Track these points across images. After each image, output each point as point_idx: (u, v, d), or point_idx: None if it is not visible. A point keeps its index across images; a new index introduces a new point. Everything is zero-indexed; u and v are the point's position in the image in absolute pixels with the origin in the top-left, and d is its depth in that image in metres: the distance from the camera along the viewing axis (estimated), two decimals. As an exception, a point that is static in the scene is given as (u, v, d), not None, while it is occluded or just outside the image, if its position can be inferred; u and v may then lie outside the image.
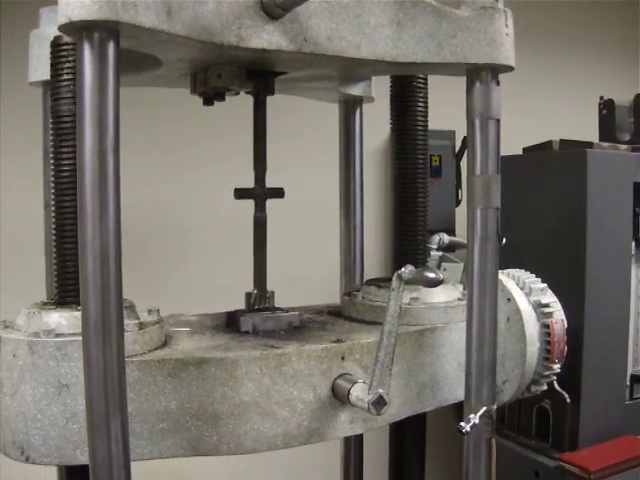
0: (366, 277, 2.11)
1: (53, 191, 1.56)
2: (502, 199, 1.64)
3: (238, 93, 1.78)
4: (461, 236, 3.11)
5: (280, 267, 1.99)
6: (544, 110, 4.47)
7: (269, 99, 1.81)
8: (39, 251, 1.93)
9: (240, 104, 1.88)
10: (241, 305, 1.83)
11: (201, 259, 3.71)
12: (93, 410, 1.24)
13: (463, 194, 4.10)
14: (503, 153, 1.66)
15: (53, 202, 1.56)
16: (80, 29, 1.19)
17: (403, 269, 1.47)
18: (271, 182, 1.82)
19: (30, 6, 1.87)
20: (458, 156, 4.11)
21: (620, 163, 3.30)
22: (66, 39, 1.48)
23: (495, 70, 1.62)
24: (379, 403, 1.46)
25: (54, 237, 1.57)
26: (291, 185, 1.86)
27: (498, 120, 1.63)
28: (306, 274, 3.74)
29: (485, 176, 1.62)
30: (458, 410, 1.74)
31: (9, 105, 3.24)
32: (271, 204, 1.82)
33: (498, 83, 1.63)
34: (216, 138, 3.65)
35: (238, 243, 2.42)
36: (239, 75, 1.65)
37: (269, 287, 1.84)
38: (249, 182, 1.81)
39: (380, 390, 1.47)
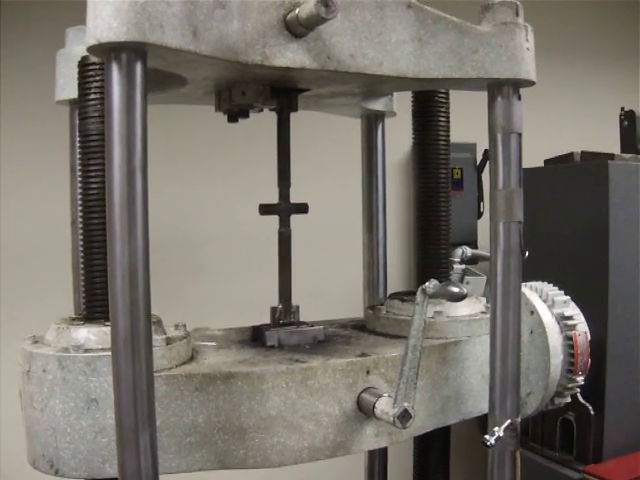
0: (389, 291, 2.12)
1: (80, 208, 1.58)
2: (524, 211, 1.65)
3: (262, 110, 1.80)
4: (483, 248, 3.13)
5: (303, 281, 2.00)
6: (565, 122, 4.47)
7: (294, 114, 1.83)
8: (64, 265, 1.96)
9: (261, 118, 1.90)
10: (263, 318, 1.85)
11: (222, 273, 3.74)
12: (122, 424, 1.26)
13: (485, 206, 4.10)
14: (524, 165, 1.67)
15: (80, 219, 1.58)
16: (108, 50, 1.22)
17: (427, 283, 1.48)
18: (293, 195, 1.84)
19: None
20: (479, 169, 4.11)
21: (642, 174, 3.30)
22: (93, 59, 1.51)
23: (516, 85, 1.63)
24: (404, 417, 1.47)
25: (82, 254, 1.59)
26: (314, 199, 1.88)
27: (520, 134, 1.64)
28: (329, 288, 3.75)
29: (507, 190, 1.63)
30: (482, 423, 1.75)
31: (39, 119, 3.28)
32: (295, 219, 1.84)
33: (519, 97, 1.64)
34: (237, 151, 3.68)
35: (259, 257, 2.45)
36: (263, 93, 1.67)
37: (293, 301, 1.85)
38: (268, 196, 1.83)
39: (405, 404, 1.47)
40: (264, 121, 1.88)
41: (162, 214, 3.29)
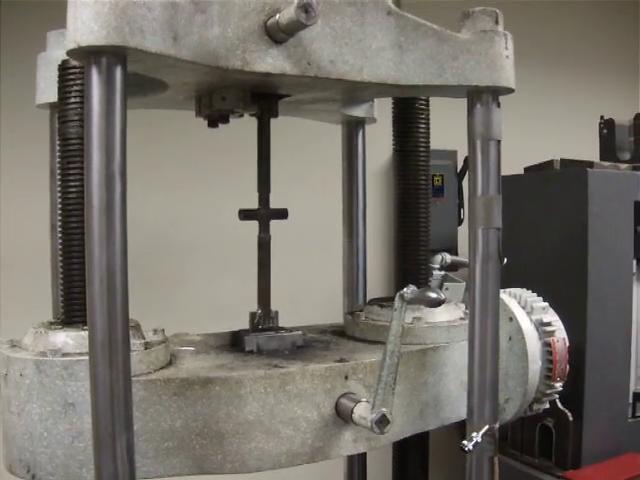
0: (369, 296, 2.13)
1: (60, 212, 1.58)
2: (503, 218, 1.66)
3: (242, 115, 1.81)
4: (464, 255, 3.14)
5: (283, 286, 2.00)
6: (545, 129, 4.49)
7: (273, 120, 1.83)
8: (42, 270, 1.95)
9: (244, 124, 1.90)
10: (245, 324, 1.85)
11: (204, 278, 3.73)
12: (99, 428, 1.25)
13: (465, 213, 4.11)
14: (504, 173, 1.68)
15: (60, 223, 1.58)
16: (88, 54, 1.22)
17: (405, 289, 1.49)
18: (273, 202, 1.84)
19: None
20: (460, 176, 4.13)
21: (621, 182, 3.32)
22: (73, 63, 1.51)
23: (496, 92, 1.64)
24: (382, 422, 1.48)
25: (61, 258, 1.59)
26: (293, 205, 1.88)
27: (499, 141, 1.65)
28: (308, 293, 3.75)
29: (486, 197, 1.64)
30: (461, 428, 1.75)
31: (12, 123, 3.27)
32: (274, 224, 1.84)
33: (499, 105, 1.65)
34: (219, 158, 3.67)
35: (241, 262, 2.44)
36: (243, 98, 1.68)
37: (272, 306, 1.86)
38: (252, 202, 1.83)
39: (383, 409, 1.48)
40: (248, 126, 1.88)
41: (147, 219, 3.30)
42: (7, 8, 3.24)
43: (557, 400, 2.08)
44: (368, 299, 2.05)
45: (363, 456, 2.21)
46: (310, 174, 3.85)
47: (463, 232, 3.98)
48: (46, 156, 1.91)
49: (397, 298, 1.50)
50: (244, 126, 1.92)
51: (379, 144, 2.46)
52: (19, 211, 3.33)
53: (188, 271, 3.71)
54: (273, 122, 1.83)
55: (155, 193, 3.49)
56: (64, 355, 1.43)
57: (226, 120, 1.79)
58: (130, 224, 1.27)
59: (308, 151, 3.84)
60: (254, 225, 1.83)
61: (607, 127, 3.78)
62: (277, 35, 1.39)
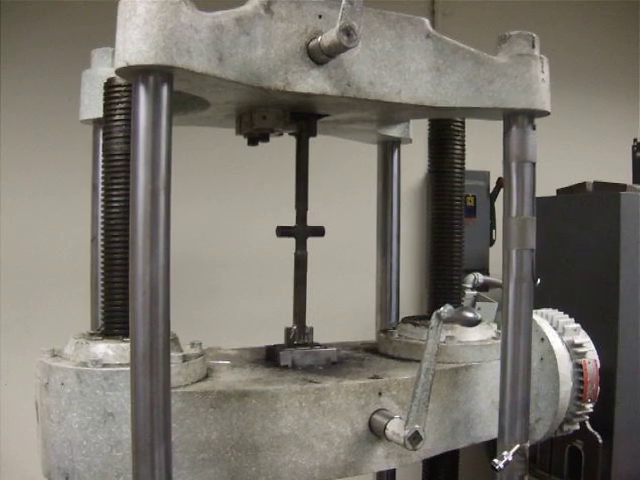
0: (401, 314, 2.14)
1: (102, 225, 1.61)
2: (536, 239, 1.67)
3: (282, 134, 1.83)
4: (495, 276, 3.15)
5: (317, 303, 2.02)
6: (578, 152, 4.49)
7: (312, 139, 1.86)
8: (78, 280, 1.98)
9: (281, 141, 1.93)
10: (278, 340, 1.87)
11: (237, 293, 3.76)
12: (138, 438, 1.28)
13: (497, 234, 4.12)
14: (537, 194, 1.69)
15: (102, 236, 1.61)
16: (136, 73, 1.26)
17: (442, 308, 1.51)
18: (310, 219, 1.87)
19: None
20: (492, 196, 4.14)
21: (653, 205, 3.31)
22: (119, 80, 1.54)
23: (531, 115, 1.66)
24: (415, 439, 1.49)
25: (102, 270, 1.62)
26: (328, 222, 1.90)
27: (534, 163, 1.66)
28: (342, 310, 3.77)
29: (521, 218, 1.65)
30: (489, 448, 1.76)
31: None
32: (311, 242, 1.86)
33: (534, 127, 1.67)
34: (255, 173, 3.71)
35: (274, 278, 2.46)
36: (283, 117, 1.71)
37: (307, 322, 1.88)
38: (286, 218, 1.86)
39: (416, 426, 1.49)
40: (282, 143, 1.91)
41: (179, 234, 3.33)
42: (6, 9, 3.29)
43: (587, 422, 2.08)
44: (401, 317, 2.07)
45: (392, 472, 2.22)
46: (345, 193, 3.88)
47: (494, 252, 4.03)
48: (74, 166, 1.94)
49: (434, 317, 1.52)
50: (280, 143, 1.95)
51: (412, 164, 2.48)
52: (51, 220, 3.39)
53: (223, 285, 3.74)
54: (311, 141, 1.86)
55: (188, 207, 3.52)
56: (104, 366, 1.45)
57: (266, 139, 1.82)
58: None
59: (344, 170, 3.87)
60: (288, 241, 1.85)
61: (640, 150, 3.77)
62: (318, 57, 1.42)
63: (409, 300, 2.68)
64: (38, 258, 3.41)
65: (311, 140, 1.86)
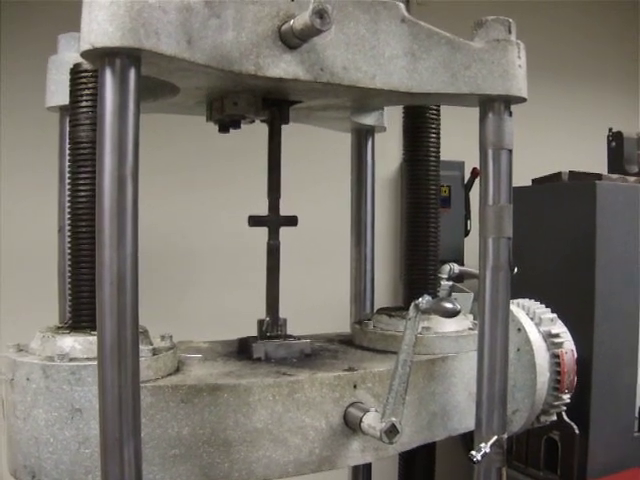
0: (376, 305, 2.12)
1: (69, 215, 1.57)
2: (512, 230, 1.65)
3: (253, 121, 1.80)
4: (469, 267, 3.14)
5: (291, 294, 2.00)
6: (553, 141, 4.49)
7: (285, 127, 1.82)
8: (46, 273, 1.94)
9: (253, 129, 1.89)
10: (250, 332, 1.84)
11: (210, 285, 3.72)
12: (107, 434, 1.24)
13: (472, 224, 4.11)
14: (513, 184, 1.67)
15: (69, 226, 1.57)
16: (102, 55, 1.21)
17: (421, 299, 1.48)
18: (282, 208, 1.83)
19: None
20: (467, 187, 4.13)
21: (629, 194, 3.32)
22: (86, 66, 1.50)
23: (508, 101, 1.63)
24: (392, 432, 1.47)
25: (69, 262, 1.58)
26: (302, 212, 1.87)
27: (510, 150, 1.64)
28: (316, 301, 3.75)
29: (497, 206, 1.63)
30: (466, 440, 1.74)
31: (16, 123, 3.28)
32: (283, 231, 1.83)
33: (511, 114, 1.64)
34: (227, 163, 3.68)
35: (247, 269, 2.43)
36: (255, 103, 1.67)
37: (280, 314, 1.84)
38: (258, 208, 1.83)
39: (393, 419, 1.47)
40: (256, 132, 1.87)
41: (152, 224, 3.28)
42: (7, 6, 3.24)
43: (563, 413, 2.07)
44: (376, 308, 2.04)
45: (368, 466, 2.20)
46: (318, 182, 3.85)
47: (469, 243, 4.02)
48: (48, 158, 1.90)
49: (412, 308, 1.49)
50: (251, 131, 1.92)
51: (387, 153, 2.45)
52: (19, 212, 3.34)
53: (194, 277, 3.71)
54: (284, 129, 1.83)
55: (161, 197, 3.48)
56: (72, 360, 1.41)
57: (237, 125, 1.78)
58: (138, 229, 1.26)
59: (318, 158, 3.84)
60: (261, 232, 1.82)
61: (615, 140, 3.78)
62: (291, 40, 1.39)
63: (384, 290, 2.65)
64: (3, 251, 3.35)
65: (285, 128, 1.82)
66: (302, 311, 2.50)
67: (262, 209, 1.82)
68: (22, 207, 3.35)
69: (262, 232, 1.82)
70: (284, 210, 1.83)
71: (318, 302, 3.73)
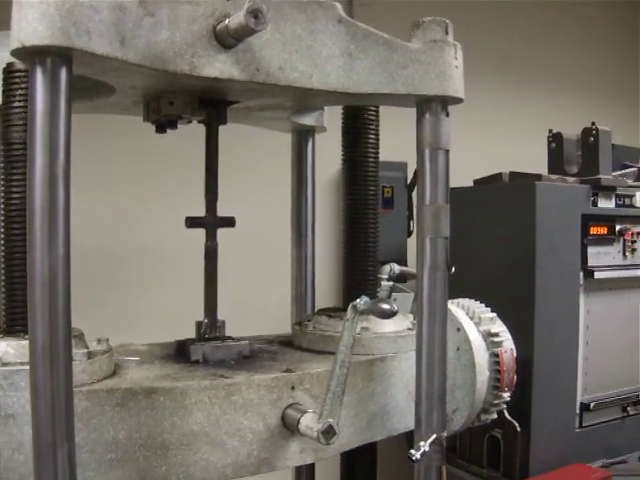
0: (317, 306, 2.11)
1: (2, 217, 1.54)
2: (453, 230, 1.66)
3: (190, 121, 1.79)
4: (413, 267, 3.17)
5: (230, 296, 1.98)
6: (494, 143, 4.53)
7: (224, 128, 1.81)
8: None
9: (195, 130, 1.88)
10: (191, 334, 1.82)
11: (148, 287, 3.68)
12: (39, 439, 1.22)
13: (415, 225, 4.13)
14: (453, 185, 1.68)
15: (2, 229, 1.54)
16: (33, 54, 1.19)
17: (358, 300, 1.48)
18: (223, 211, 1.82)
19: None
20: (410, 187, 4.15)
21: (568, 195, 3.36)
22: (19, 66, 1.48)
23: (445, 102, 1.64)
24: (329, 433, 1.46)
25: (2, 265, 1.55)
26: (241, 213, 1.86)
27: (447, 151, 1.65)
28: (256, 303, 3.73)
29: (434, 205, 1.64)
30: (409, 439, 1.75)
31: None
32: (222, 232, 1.82)
33: (448, 114, 1.65)
34: (165, 164, 3.64)
35: (185, 270, 2.40)
36: (191, 103, 1.66)
37: (220, 316, 1.83)
38: (199, 209, 1.81)
39: (330, 420, 1.47)
40: (195, 133, 1.86)
41: (87, 226, 3.24)
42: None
43: (505, 411, 2.09)
44: (317, 309, 2.04)
45: (311, 467, 2.20)
46: (260, 182, 3.84)
47: (413, 244, 4.03)
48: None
49: (350, 308, 1.49)
50: (194, 132, 1.90)
51: (329, 154, 2.45)
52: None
53: (131, 279, 3.66)
54: (223, 130, 1.82)
55: (97, 199, 3.44)
56: (4, 365, 1.39)
57: (174, 126, 1.76)
58: (73, 230, 1.24)
59: (258, 159, 3.83)
60: (201, 233, 1.80)
61: (555, 141, 3.82)
62: (226, 40, 1.38)
63: (326, 291, 2.64)
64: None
65: (222, 128, 1.81)
66: (244, 312, 2.50)
67: (202, 211, 1.81)
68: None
69: (201, 233, 1.81)
70: (224, 211, 1.82)
71: (260, 303, 3.72)
